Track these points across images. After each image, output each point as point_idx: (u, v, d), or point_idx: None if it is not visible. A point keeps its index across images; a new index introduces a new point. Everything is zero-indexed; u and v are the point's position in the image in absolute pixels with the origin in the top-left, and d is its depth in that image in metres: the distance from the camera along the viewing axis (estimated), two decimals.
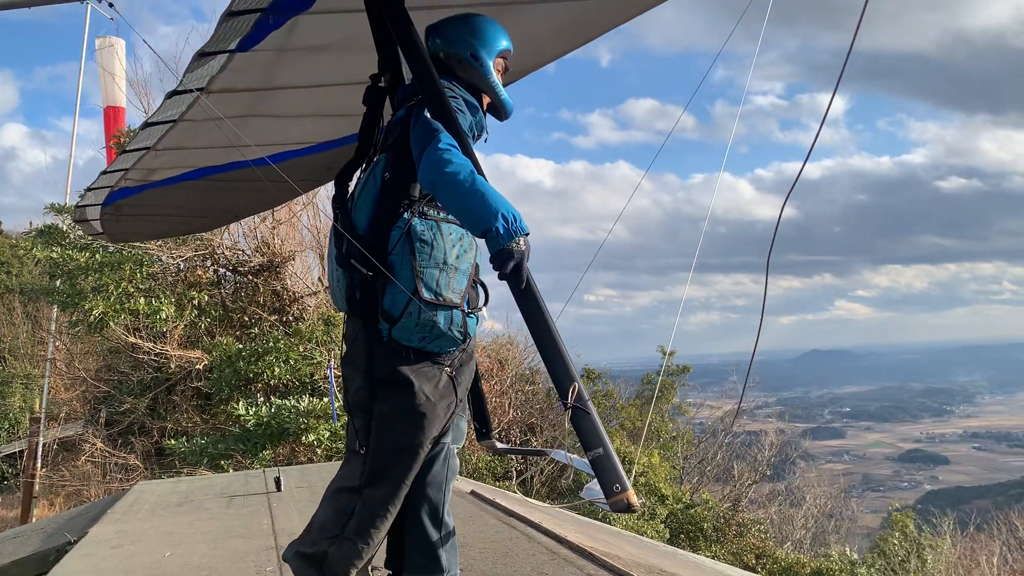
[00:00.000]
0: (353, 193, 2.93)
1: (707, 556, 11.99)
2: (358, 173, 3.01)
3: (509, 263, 2.45)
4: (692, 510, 14.61)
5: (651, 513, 13.77)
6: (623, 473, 2.42)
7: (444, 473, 2.91)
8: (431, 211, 2.76)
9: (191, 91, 3.06)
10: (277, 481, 7.09)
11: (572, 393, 2.49)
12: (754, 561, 14.15)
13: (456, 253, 2.76)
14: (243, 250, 15.41)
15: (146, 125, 3.59)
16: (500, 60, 3.00)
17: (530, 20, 3.26)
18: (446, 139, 2.59)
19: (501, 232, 2.43)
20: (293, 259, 15.59)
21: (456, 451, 2.98)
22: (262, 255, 15.19)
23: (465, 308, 2.78)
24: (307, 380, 13.47)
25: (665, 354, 20.28)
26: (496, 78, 2.99)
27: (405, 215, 2.72)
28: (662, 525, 13.80)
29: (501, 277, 2.50)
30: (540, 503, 10.37)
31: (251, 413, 12.15)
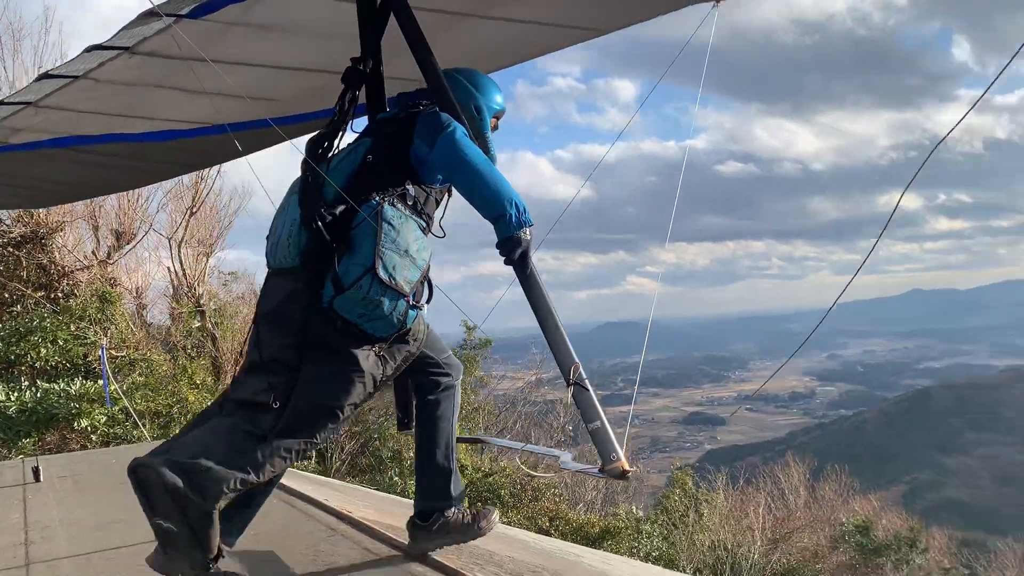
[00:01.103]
0: (327, 165, 2.96)
1: (502, 522, 12.34)
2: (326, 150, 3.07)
3: (517, 250, 2.78)
4: (490, 478, 14.95)
5: None
6: (616, 443, 2.72)
7: (451, 409, 3.19)
8: (400, 204, 2.85)
9: (118, 48, 2.91)
10: (35, 471, 6.47)
11: (573, 372, 2.81)
12: (548, 523, 14.73)
13: (417, 247, 2.83)
14: (1, 219, 13.87)
15: (43, 77, 3.28)
16: (494, 119, 3.25)
17: (478, 34, 3.52)
18: (462, 130, 2.87)
19: (512, 221, 2.75)
20: (62, 230, 14.25)
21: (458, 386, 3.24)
22: (24, 225, 13.75)
23: (411, 300, 2.82)
24: (79, 361, 12.42)
25: (468, 328, 20.59)
26: (489, 132, 3.20)
27: (377, 198, 2.81)
28: None
29: (507, 263, 2.81)
30: (336, 481, 10.20)
31: (13, 399, 11.08)
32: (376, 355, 2.84)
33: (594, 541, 14.27)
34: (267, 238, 3.03)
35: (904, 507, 37.43)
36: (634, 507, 18.36)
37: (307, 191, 2.84)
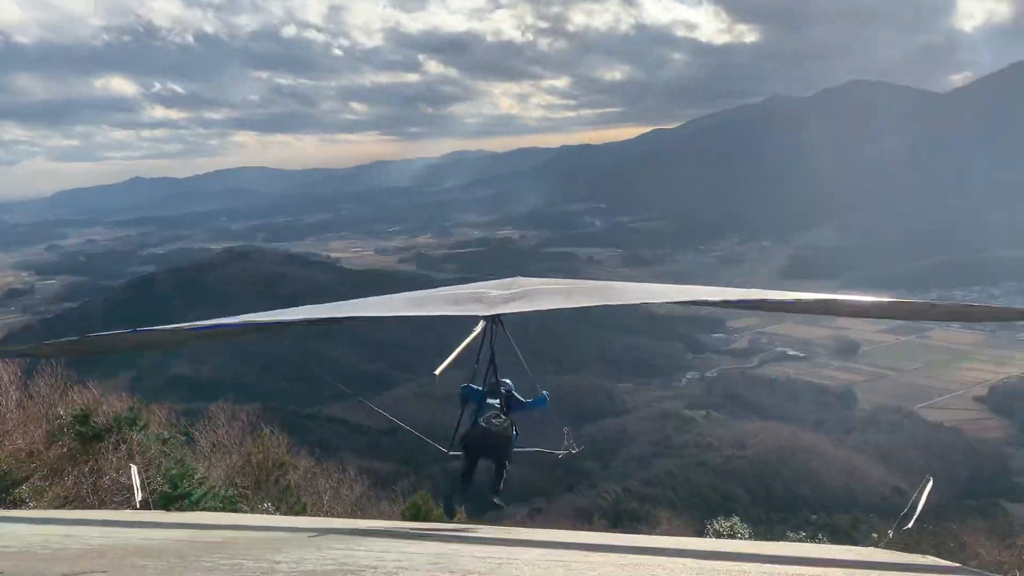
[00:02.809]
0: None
1: None
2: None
3: (545, 407, 10.77)
4: None
5: None
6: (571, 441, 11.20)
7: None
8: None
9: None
10: None
11: (568, 439, 11.15)
12: None
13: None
14: None
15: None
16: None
17: None
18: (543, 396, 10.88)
19: (547, 406, 10.82)
20: None
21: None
22: None
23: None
24: None
25: None
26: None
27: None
28: None
29: (533, 407, 10.73)
30: None
31: None
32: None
33: None
34: (479, 421, 9.92)
35: (132, 390, 38.39)
36: None
37: (504, 406, 10.22)
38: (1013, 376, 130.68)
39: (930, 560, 9.90)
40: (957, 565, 9.58)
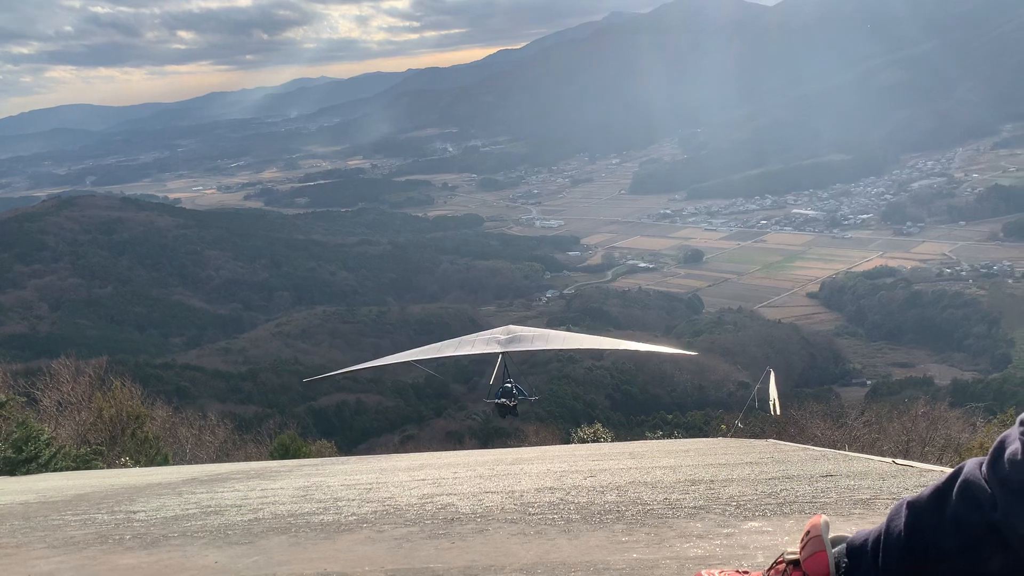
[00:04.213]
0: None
1: None
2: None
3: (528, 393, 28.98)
4: None
5: None
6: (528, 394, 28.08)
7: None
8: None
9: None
10: None
11: (532, 396, 29.12)
12: None
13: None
14: None
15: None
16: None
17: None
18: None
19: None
20: None
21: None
22: None
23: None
24: None
25: None
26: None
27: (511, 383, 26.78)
28: None
29: (518, 396, 27.35)
30: None
31: None
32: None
33: None
34: (498, 395, 25.47)
35: None
36: None
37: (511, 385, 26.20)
38: (840, 272, 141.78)
39: (773, 443, 10.76)
40: (799, 445, 10.47)
